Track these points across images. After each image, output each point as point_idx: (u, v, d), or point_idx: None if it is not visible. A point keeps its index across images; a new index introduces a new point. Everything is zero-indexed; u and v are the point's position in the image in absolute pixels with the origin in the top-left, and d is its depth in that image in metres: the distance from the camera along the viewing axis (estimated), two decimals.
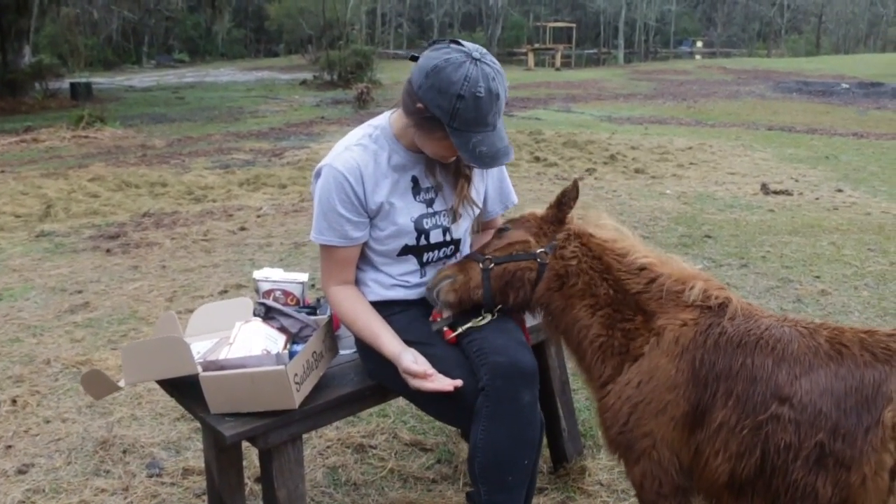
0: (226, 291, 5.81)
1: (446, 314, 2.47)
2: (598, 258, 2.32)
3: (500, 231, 2.49)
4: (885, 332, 2.03)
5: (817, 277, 6.02)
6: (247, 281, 6.02)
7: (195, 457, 3.57)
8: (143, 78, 35.69)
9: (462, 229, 2.65)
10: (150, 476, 3.42)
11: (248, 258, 6.72)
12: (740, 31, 76.02)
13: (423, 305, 2.60)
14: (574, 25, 59.30)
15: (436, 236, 2.59)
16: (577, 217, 2.48)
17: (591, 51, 63.49)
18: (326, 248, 2.52)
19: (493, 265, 2.37)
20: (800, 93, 25.87)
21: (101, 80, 31.13)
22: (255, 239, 7.40)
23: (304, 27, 46.47)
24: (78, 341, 4.90)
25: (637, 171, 11.01)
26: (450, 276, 2.42)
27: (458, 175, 2.57)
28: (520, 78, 32.16)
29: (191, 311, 5.25)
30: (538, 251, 2.37)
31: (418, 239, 2.56)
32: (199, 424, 3.81)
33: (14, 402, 4.09)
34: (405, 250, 2.56)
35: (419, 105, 2.27)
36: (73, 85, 24.46)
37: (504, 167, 2.72)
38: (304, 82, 29.92)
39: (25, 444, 3.70)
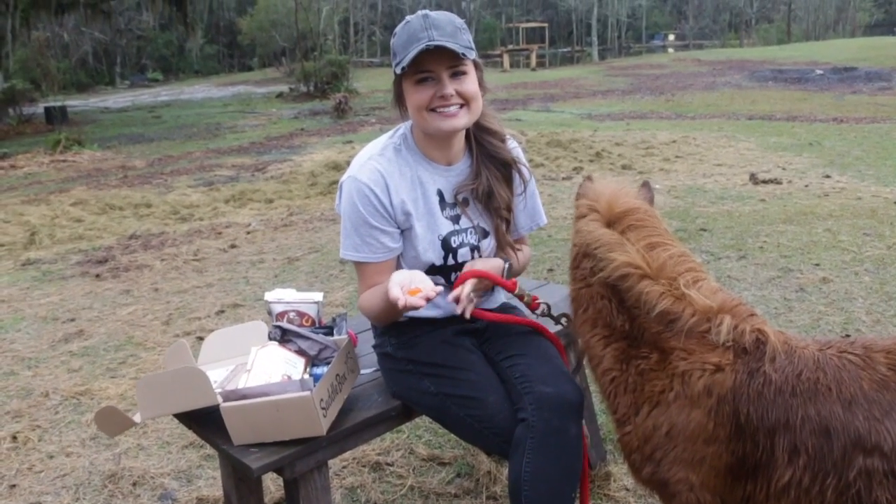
0: (223, 311, 5.69)
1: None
2: (609, 286, 2.05)
3: None
4: None
5: (817, 265, 5.98)
6: (243, 300, 5.91)
7: (208, 485, 3.46)
8: (117, 98, 35.40)
9: (488, 246, 2.56)
10: None
11: (241, 276, 6.61)
12: (711, 23, 76.10)
13: (450, 326, 2.52)
14: (546, 25, 59.45)
15: (464, 255, 2.48)
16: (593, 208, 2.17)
17: (565, 49, 63.40)
18: (362, 265, 2.43)
19: None
20: (775, 81, 25.89)
21: (75, 102, 30.82)
22: (247, 256, 7.28)
23: (277, 40, 46.26)
24: (75, 371, 4.78)
25: (624, 167, 10.94)
26: None
27: (492, 214, 2.49)
28: (496, 80, 32.00)
29: (188, 334, 5.21)
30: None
31: (445, 258, 2.46)
32: (209, 451, 3.72)
33: (14, 438, 3.96)
34: (431, 270, 2.46)
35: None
36: (47, 109, 24.12)
37: (535, 186, 2.64)
38: (280, 95, 29.71)
39: (30, 481, 3.58)
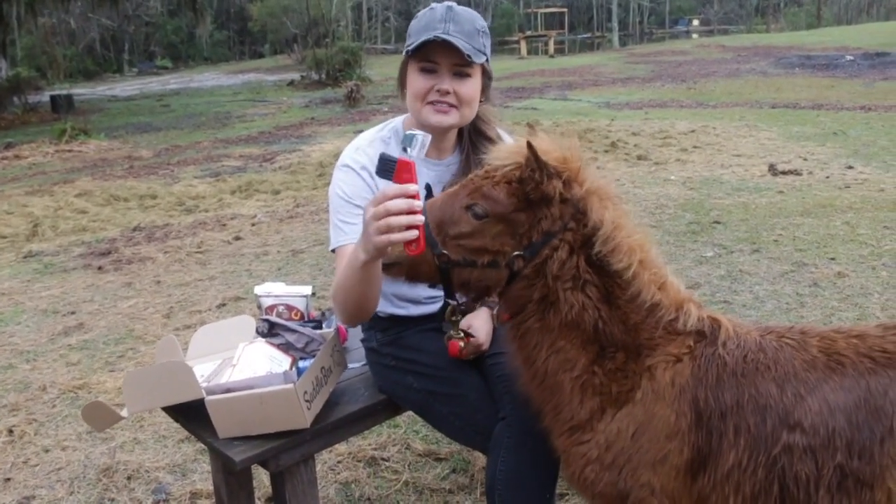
0: (224, 304, 5.67)
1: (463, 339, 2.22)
2: (598, 286, 1.87)
3: (472, 201, 1.85)
4: (874, 332, 1.85)
5: (833, 259, 5.88)
6: (245, 293, 5.88)
7: (202, 479, 3.45)
8: (125, 87, 35.26)
9: None
10: (157, 502, 3.31)
11: (244, 269, 6.58)
12: (738, 7, 73.97)
13: (434, 323, 2.50)
14: (566, 10, 58.38)
15: None
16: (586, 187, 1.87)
17: (585, 35, 62.42)
18: (341, 251, 2.29)
19: (448, 265, 1.88)
20: (802, 67, 25.05)
21: (82, 90, 30.60)
22: (251, 248, 7.25)
23: (288, 26, 45.79)
24: (74, 365, 4.76)
25: (640, 157, 10.76)
26: (399, 261, 1.89)
27: None
28: (513, 67, 31.65)
29: (189, 327, 5.19)
30: (514, 255, 1.86)
31: None
32: (205, 445, 3.70)
33: (11, 431, 3.96)
34: None
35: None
36: (53, 97, 23.97)
37: None
38: (291, 83, 29.37)
39: (25, 475, 3.58)
